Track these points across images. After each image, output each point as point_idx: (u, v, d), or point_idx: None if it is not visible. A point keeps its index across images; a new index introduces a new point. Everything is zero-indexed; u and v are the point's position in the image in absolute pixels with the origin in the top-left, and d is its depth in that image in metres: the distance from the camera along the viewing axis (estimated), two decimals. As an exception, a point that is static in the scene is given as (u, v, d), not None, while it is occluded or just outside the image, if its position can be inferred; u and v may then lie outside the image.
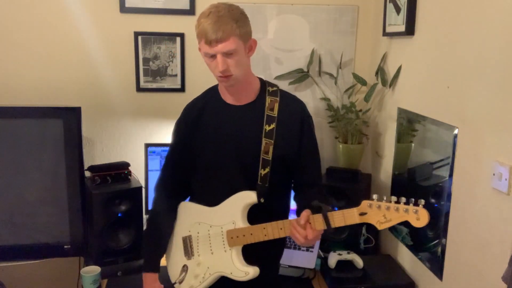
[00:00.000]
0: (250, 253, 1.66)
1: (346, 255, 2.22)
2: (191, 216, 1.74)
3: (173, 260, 1.78)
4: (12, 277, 2.29)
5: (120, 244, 2.26)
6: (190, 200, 1.80)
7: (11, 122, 2.16)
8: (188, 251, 1.73)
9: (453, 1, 1.86)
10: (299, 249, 2.28)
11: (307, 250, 2.26)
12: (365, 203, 1.42)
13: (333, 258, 2.21)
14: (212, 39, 1.49)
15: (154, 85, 2.55)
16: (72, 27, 2.42)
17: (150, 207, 1.86)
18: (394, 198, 1.40)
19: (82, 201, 2.22)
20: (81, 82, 2.47)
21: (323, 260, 2.25)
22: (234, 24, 1.51)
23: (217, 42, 1.49)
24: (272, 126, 1.63)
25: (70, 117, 2.18)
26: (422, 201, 1.37)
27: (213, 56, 1.53)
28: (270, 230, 1.58)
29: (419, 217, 1.35)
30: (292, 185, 1.79)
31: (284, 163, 1.67)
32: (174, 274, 1.76)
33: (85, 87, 2.48)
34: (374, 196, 1.42)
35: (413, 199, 1.39)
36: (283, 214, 1.76)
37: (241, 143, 1.65)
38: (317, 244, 2.29)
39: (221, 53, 1.51)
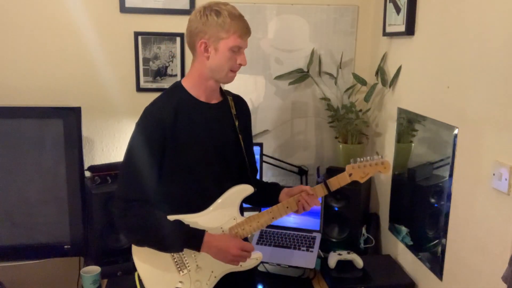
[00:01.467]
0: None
1: (346, 255, 2.22)
2: None
3: (162, 282, 1.64)
4: (12, 277, 2.29)
5: (120, 244, 2.26)
6: (166, 211, 1.63)
7: (11, 122, 2.16)
8: (182, 265, 1.64)
9: (453, 1, 1.86)
10: (299, 249, 2.28)
11: (307, 250, 2.27)
12: (349, 166, 1.77)
13: (333, 258, 2.21)
14: (248, 35, 1.64)
15: (154, 85, 2.55)
16: (72, 27, 2.41)
17: (130, 219, 1.58)
18: (365, 159, 1.78)
19: (82, 201, 2.22)
20: (81, 82, 2.47)
21: (323, 260, 2.25)
22: None
23: (247, 38, 1.64)
24: (237, 122, 1.76)
25: (70, 117, 2.18)
26: (381, 155, 1.81)
27: (237, 51, 1.62)
28: (277, 212, 1.72)
29: (385, 166, 1.79)
30: None
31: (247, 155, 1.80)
32: None
33: (85, 87, 2.48)
34: (352, 160, 1.77)
35: (376, 156, 1.81)
36: None
37: (223, 139, 1.71)
38: (317, 244, 2.29)
39: (244, 48, 1.65)
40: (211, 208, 1.66)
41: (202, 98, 1.69)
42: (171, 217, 1.62)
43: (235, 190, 1.69)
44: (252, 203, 1.89)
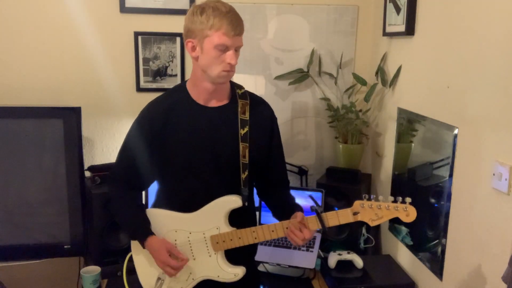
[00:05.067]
0: (227, 253, 1.66)
1: (346, 255, 2.22)
2: (164, 223, 1.67)
3: (146, 269, 1.70)
4: (12, 277, 2.29)
5: (120, 244, 2.26)
6: (158, 206, 1.72)
7: (11, 122, 2.17)
8: None
9: (453, 1, 1.86)
10: (299, 249, 2.28)
11: (307, 250, 2.26)
12: (357, 203, 1.51)
13: (333, 258, 2.21)
14: (235, 32, 1.51)
15: (154, 85, 2.55)
16: (72, 27, 2.42)
17: (111, 193, 1.76)
18: (381, 198, 1.51)
19: (82, 201, 2.22)
20: (81, 82, 2.47)
21: (323, 260, 2.25)
22: (243, 23, 1.56)
23: (235, 35, 1.51)
24: (246, 129, 1.64)
25: (70, 117, 2.18)
26: (409, 199, 1.49)
27: (225, 50, 1.52)
28: (261, 233, 1.60)
29: (408, 213, 1.48)
30: (260, 186, 1.80)
31: (257, 165, 1.68)
32: (147, 283, 1.71)
33: (85, 87, 2.48)
34: (365, 196, 1.51)
35: (400, 198, 1.50)
36: (254, 214, 1.79)
37: (218, 146, 1.62)
38: (317, 244, 2.29)
39: (235, 47, 1.54)
40: (198, 212, 1.63)
41: (200, 100, 1.64)
42: (159, 211, 1.69)
43: (223, 200, 1.61)
44: (273, 214, 1.81)
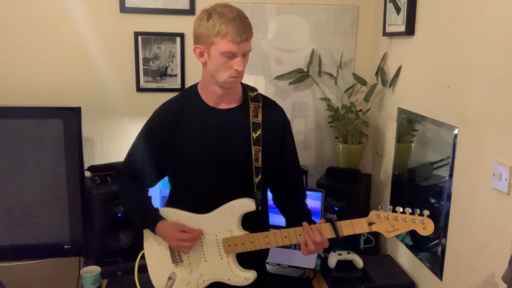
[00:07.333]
0: (238, 257, 1.65)
1: (346, 255, 2.22)
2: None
3: (158, 268, 1.71)
4: (12, 277, 2.28)
5: (120, 244, 2.26)
6: (172, 206, 1.72)
7: (11, 122, 2.17)
8: (177, 258, 1.68)
9: (453, 1, 1.86)
10: (299, 249, 2.27)
11: (307, 250, 2.26)
12: (373, 213, 1.48)
13: (333, 258, 2.21)
14: (242, 38, 1.48)
15: (154, 85, 2.55)
16: (72, 27, 2.42)
17: (120, 186, 1.84)
18: (399, 209, 1.48)
19: (82, 201, 2.22)
20: (81, 82, 2.47)
21: (323, 260, 2.25)
22: (252, 27, 1.54)
23: (242, 41, 1.49)
24: (258, 132, 1.62)
25: (70, 117, 2.18)
26: (427, 212, 1.46)
27: (232, 56, 1.50)
28: (273, 239, 1.59)
29: (425, 226, 1.45)
30: (275, 193, 1.79)
31: (271, 169, 1.67)
32: (158, 282, 1.70)
33: (85, 87, 2.48)
34: (381, 207, 1.49)
35: (418, 210, 1.46)
36: (266, 218, 1.79)
37: (227, 148, 1.61)
38: (317, 244, 2.29)
39: (243, 53, 1.52)
40: (211, 214, 1.63)
41: (210, 102, 1.63)
42: (172, 210, 1.68)
43: (236, 203, 1.60)
44: (286, 224, 1.77)
